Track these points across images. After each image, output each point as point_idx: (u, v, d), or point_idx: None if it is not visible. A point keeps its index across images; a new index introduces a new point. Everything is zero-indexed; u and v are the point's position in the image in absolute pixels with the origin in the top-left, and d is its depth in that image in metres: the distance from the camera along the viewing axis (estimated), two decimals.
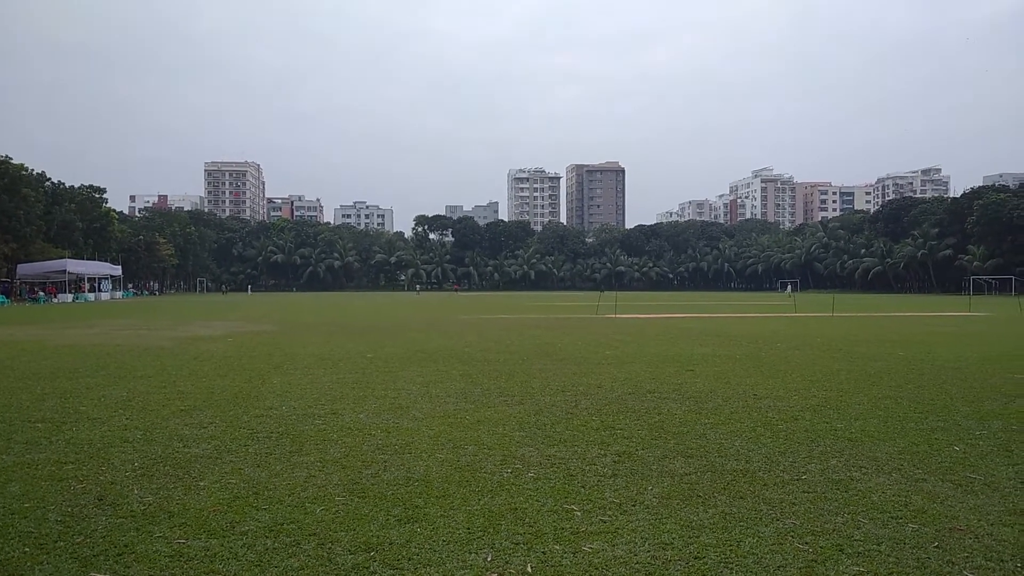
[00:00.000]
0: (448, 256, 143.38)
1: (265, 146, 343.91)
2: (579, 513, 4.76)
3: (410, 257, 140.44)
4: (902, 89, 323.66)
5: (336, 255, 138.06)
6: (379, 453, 6.35)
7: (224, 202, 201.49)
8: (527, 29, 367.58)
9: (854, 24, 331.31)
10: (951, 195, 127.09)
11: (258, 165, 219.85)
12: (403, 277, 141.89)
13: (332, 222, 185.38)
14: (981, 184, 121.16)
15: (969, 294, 71.80)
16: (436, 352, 15.24)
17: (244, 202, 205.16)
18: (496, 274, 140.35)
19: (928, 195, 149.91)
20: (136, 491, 5.24)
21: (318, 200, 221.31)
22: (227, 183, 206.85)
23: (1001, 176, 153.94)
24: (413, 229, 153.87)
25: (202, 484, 5.41)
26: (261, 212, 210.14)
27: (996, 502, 5.00)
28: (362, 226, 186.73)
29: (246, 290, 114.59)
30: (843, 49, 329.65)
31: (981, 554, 4.07)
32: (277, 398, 9.25)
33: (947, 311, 39.22)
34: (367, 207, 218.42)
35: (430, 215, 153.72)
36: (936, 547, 4.18)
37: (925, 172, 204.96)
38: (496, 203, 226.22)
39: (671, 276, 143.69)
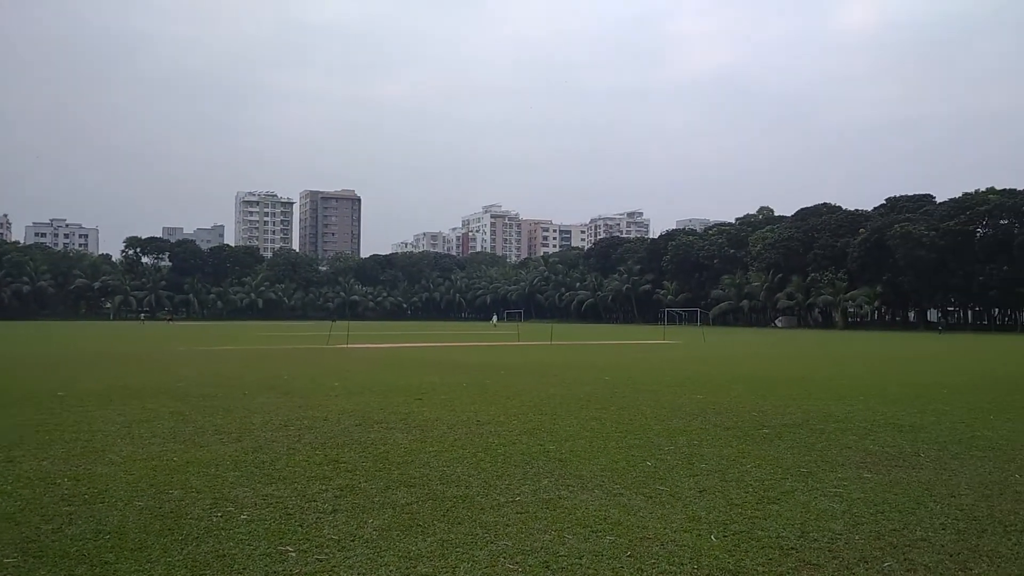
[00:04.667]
0: (164, 282, 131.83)
1: None
2: (294, 554, 4.55)
3: (118, 282, 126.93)
4: (613, 137, 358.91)
5: (26, 279, 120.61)
6: (64, 504, 5.58)
7: None
8: (259, 45, 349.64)
9: (572, 74, 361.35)
10: (651, 236, 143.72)
11: None
12: (108, 304, 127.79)
13: (22, 241, 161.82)
14: (675, 227, 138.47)
15: (664, 324, 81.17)
16: (143, 388, 13.85)
17: None
18: (220, 302, 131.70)
19: (632, 235, 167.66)
20: None
21: (5, 216, 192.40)
22: None
23: (691, 221, 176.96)
24: (123, 252, 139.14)
25: None
26: None
27: (679, 511, 5.62)
28: (60, 247, 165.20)
29: None
30: (559, 98, 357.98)
31: (665, 559, 4.54)
32: None
33: (646, 339, 43.94)
34: (67, 226, 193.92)
35: (144, 237, 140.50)
36: (629, 556, 4.59)
37: (630, 215, 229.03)
38: (222, 226, 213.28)
39: (405, 306, 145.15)
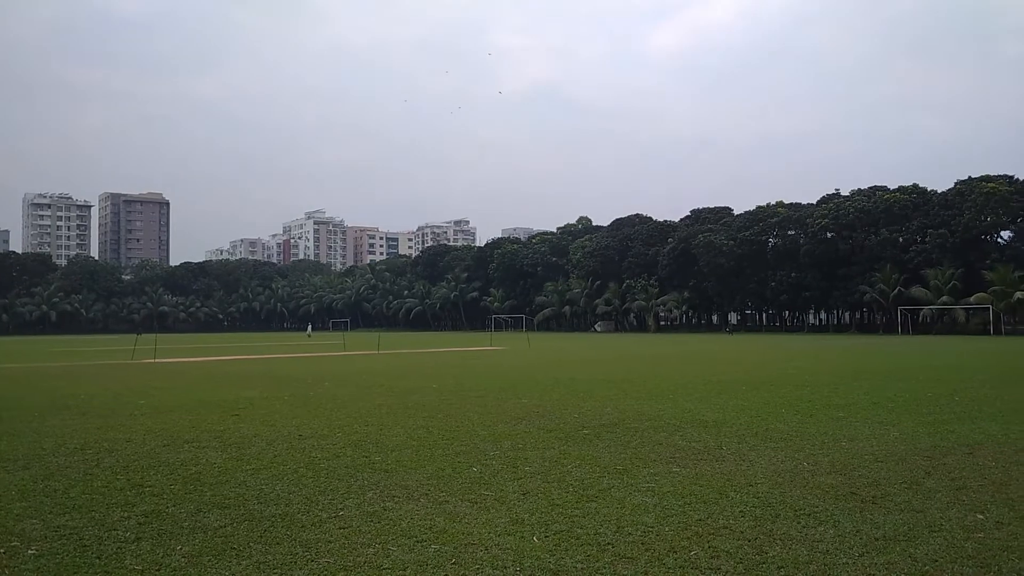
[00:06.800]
0: None
1: None
2: None
3: None
4: (438, 146, 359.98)
5: None
6: None
7: None
8: (51, 36, 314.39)
9: (396, 82, 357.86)
10: (478, 244, 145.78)
11: None
12: None
13: None
14: (500, 236, 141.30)
15: (491, 331, 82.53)
16: None
17: None
18: (5, 315, 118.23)
19: (460, 243, 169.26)
20: None
21: None
22: None
23: (515, 230, 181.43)
24: None
25: None
26: None
27: (503, 515, 5.71)
28: None
29: None
30: (383, 106, 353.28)
31: (489, 564, 4.59)
32: None
33: (474, 346, 44.47)
34: None
35: None
36: (453, 563, 4.59)
37: (457, 223, 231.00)
38: (7, 232, 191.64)
39: (221, 317, 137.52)
